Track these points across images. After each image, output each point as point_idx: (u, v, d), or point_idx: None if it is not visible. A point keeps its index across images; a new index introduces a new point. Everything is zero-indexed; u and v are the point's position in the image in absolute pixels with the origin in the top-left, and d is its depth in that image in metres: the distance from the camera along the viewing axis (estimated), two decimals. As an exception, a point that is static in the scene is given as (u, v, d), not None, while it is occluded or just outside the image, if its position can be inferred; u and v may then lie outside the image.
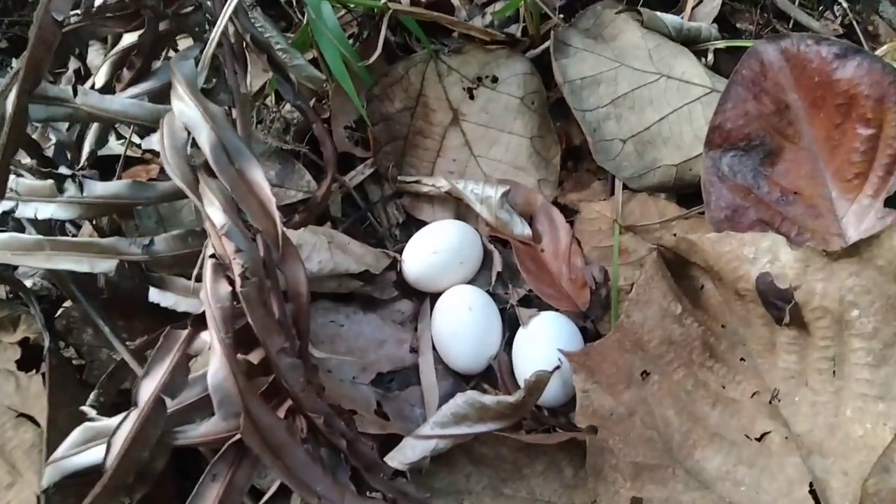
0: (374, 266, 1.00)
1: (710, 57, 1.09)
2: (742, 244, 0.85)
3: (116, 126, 1.01)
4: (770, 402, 0.85)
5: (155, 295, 0.85)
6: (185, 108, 0.73)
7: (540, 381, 0.81)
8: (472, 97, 1.12)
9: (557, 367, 0.86)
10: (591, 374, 0.84)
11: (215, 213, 0.66)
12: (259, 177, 0.68)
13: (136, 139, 1.17)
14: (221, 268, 0.65)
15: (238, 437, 0.61)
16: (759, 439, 0.82)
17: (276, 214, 0.67)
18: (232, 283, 0.65)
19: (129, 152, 1.10)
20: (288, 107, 1.22)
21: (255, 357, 0.68)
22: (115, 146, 1.11)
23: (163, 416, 0.64)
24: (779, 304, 0.84)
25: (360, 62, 1.08)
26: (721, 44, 1.09)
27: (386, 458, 0.81)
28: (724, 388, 0.85)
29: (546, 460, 0.85)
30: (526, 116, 1.12)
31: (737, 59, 1.06)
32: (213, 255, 0.65)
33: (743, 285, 0.85)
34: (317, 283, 0.96)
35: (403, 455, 0.83)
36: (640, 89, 1.03)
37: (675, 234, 1.02)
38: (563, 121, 1.13)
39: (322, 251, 0.99)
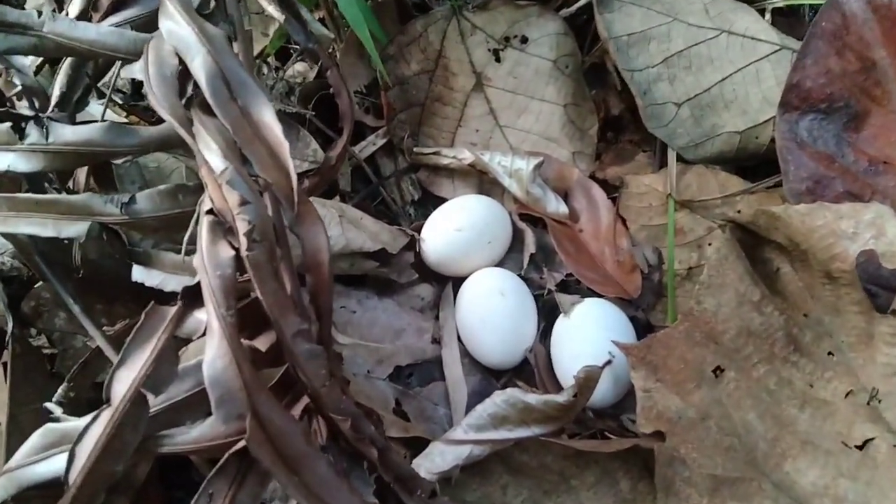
0: (390, 245, 0.89)
1: (768, 17, 0.94)
2: (839, 217, 0.70)
3: (99, 85, 0.83)
4: (868, 404, 0.71)
5: (139, 273, 0.69)
6: (175, 29, 0.57)
7: (590, 378, 0.72)
8: (498, 59, 1.00)
9: (609, 362, 0.76)
10: (654, 371, 0.72)
11: (213, 158, 0.49)
12: (269, 116, 0.52)
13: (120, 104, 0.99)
14: (221, 227, 0.48)
15: (242, 444, 0.44)
16: (860, 447, 0.69)
17: (290, 164, 0.51)
18: (235, 247, 0.47)
19: (112, 114, 0.92)
20: (291, 70, 1.05)
21: (262, 343, 0.52)
22: (95, 110, 0.93)
23: (143, 418, 0.48)
24: (881, 288, 0.68)
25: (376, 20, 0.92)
26: (779, 3, 0.95)
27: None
28: (811, 386, 0.73)
29: (598, 471, 0.75)
30: (559, 82, 0.99)
31: (794, 21, 0.96)
32: (210, 211, 0.48)
33: (838, 266, 0.70)
34: None
35: (431, 462, 0.72)
36: (697, 46, 0.89)
37: (738, 211, 0.89)
38: (600, 88, 1.02)
39: (332, 226, 0.85)
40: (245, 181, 0.50)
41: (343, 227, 0.86)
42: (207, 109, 0.55)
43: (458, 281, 0.90)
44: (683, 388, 0.72)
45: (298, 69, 1.07)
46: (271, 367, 0.53)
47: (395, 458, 0.53)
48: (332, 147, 0.74)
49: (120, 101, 0.96)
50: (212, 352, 0.46)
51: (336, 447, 0.53)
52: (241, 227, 0.48)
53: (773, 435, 0.71)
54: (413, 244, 0.92)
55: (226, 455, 0.48)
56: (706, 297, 0.74)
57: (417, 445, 0.75)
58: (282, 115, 0.97)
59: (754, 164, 0.91)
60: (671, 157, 0.92)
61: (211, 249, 0.49)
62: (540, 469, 0.74)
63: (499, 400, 0.72)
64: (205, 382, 0.46)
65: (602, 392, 0.80)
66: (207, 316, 0.47)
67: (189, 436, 0.53)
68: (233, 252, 0.49)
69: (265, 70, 1.02)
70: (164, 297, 0.68)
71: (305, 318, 0.49)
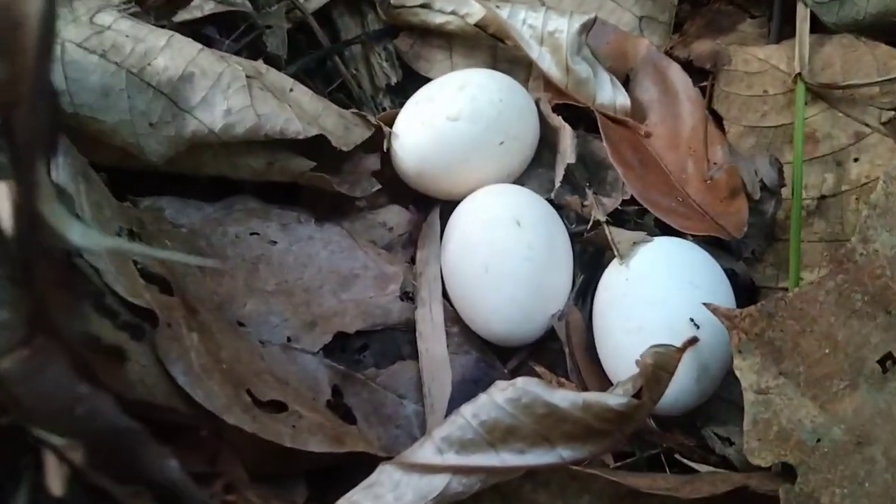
0: (339, 135, 0.73)
1: None
2: None
3: None
4: None
5: None
6: None
7: (663, 366, 0.58)
8: None
9: (694, 340, 0.63)
10: (776, 358, 0.59)
11: None
12: None
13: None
14: None
15: None
16: None
17: None
18: None
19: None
20: None
21: None
22: None
23: None
24: None
25: None
26: None
27: (340, 505, 0.56)
28: None
29: None
30: None
31: None
32: None
33: None
34: (224, 155, 0.70)
35: (378, 502, 0.56)
36: None
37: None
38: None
39: (233, 92, 0.68)
40: None
41: (253, 96, 0.68)
42: None
43: (450, 205, 0.78)
44: (828, 390, 0.59)
45: None
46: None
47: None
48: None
49: None
50: None
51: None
52: None
53: None
54: (379, 141, 0.77)
55: None
56: (880, 231, 0.59)
57: (358, 469, 0.60)
58: None
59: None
60: (802, 18, 0.80)
61: None
62: (571, 518, 0.60)
63: (502, 398, 0.57)
64: None
65: (677, 390, 0.65)
66: None
67: None
68: None
69: None
70: None
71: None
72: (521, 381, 0.57)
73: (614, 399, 0.56)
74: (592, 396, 0.56)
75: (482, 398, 0.58)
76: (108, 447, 0.35)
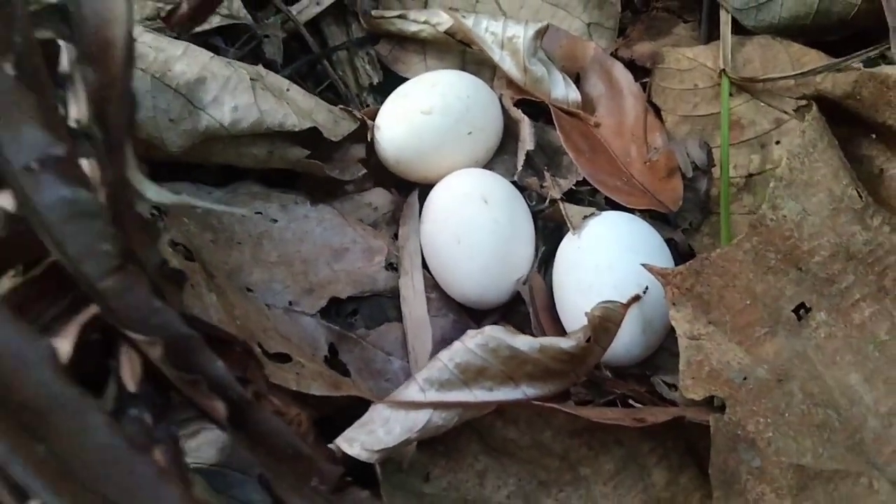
0: (329, 128, 0.73)
1: None
2: None
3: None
4: None
5: None
6: None
7: (609, 318, 0.60)
8: None
9: (637, 298, 0.64)
10: (705, 309, 0.60)
11: None
12: None
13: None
14: None
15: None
16: None
17: None
18: None
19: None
20: None
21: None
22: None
23: None
24: None
25: None
26: None
27: (339, 440, 0.56)
28: (940, 338, 0.58)
29: (620, 455, 0.60)
30: (569, -76, 0.86)
31: None
32: None
33: None
34: (232, 146, 0.70)
35: (371, 436, 0.57)
36: None
37: (818, 92, 0.69)
38: (623, -64, 0.90)
39: (240, 92, 0.68)
40: None
41: (256, 95, 0.68)
42: None
43: (427, 188, 0.77)
44: (750, 336, 0.59)
45: None
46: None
47: (273, 422, 0.31)
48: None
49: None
50: None
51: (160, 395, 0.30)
52: None
53: (888, 408, 0.56)
54: (364, 132, 0.77)
55: None
56: (786, 199, 0.60)
57: (353, 410, 0.60)
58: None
59: (840, 36, 0.77)
60: (724, 22, 0.79)
61: None
62: (534, 449, 0.59)
63: (472, 343, 0.58)
64: None
65: (627, 342, 0.66)
66: None
67: None
68: None
69: None
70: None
71: (62, 133, 0.26)
72: (488, 329, 0.58)
73: (566, 342, 0.57)
74: (548, 341, 0.57)
75: (456, 344, 0.58)
76: (174, 349, 0.38)
